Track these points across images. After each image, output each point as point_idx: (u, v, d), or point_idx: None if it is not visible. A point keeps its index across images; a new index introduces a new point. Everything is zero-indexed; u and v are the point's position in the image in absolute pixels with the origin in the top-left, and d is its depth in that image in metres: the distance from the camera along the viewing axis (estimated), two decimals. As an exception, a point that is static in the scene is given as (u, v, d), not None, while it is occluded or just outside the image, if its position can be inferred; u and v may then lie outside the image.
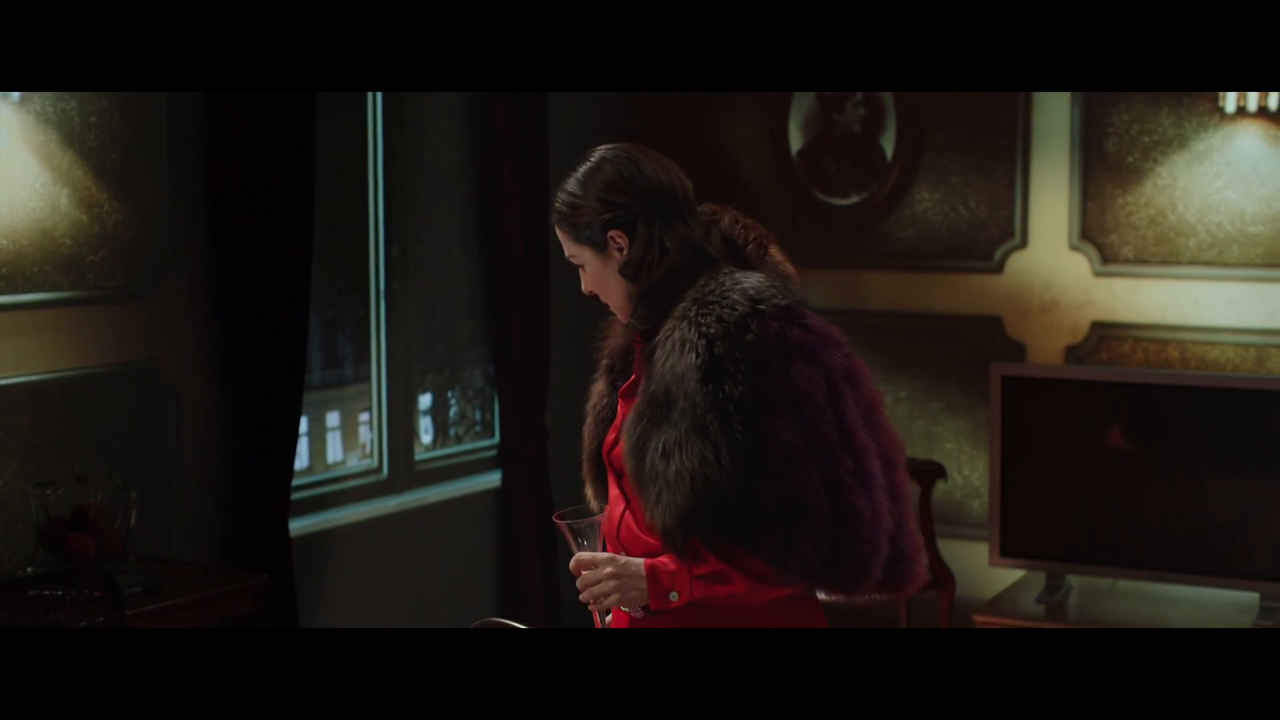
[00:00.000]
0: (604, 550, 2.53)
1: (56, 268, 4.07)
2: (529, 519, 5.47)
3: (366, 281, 5.15)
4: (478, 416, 5.63)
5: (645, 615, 2.48)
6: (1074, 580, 5.13)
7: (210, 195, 4.42)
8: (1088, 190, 5.38)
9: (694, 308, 2.41)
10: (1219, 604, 4.90)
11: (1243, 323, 5.19)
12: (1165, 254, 5.29)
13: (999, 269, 5.53)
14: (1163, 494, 4.86)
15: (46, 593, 3.72)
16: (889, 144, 5.68)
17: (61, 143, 4.06)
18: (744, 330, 2.36)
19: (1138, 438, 4.92)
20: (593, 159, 2.54)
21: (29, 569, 3.88)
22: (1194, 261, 5.24)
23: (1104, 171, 5.36)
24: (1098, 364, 5.36)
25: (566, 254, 2.57)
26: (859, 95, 5.71)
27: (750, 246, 2.53)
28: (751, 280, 2.42)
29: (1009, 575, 5.32)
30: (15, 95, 3.94)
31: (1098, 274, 5.38)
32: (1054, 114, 5.40)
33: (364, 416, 5.19)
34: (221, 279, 4.44)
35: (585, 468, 2.69)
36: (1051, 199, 5.43)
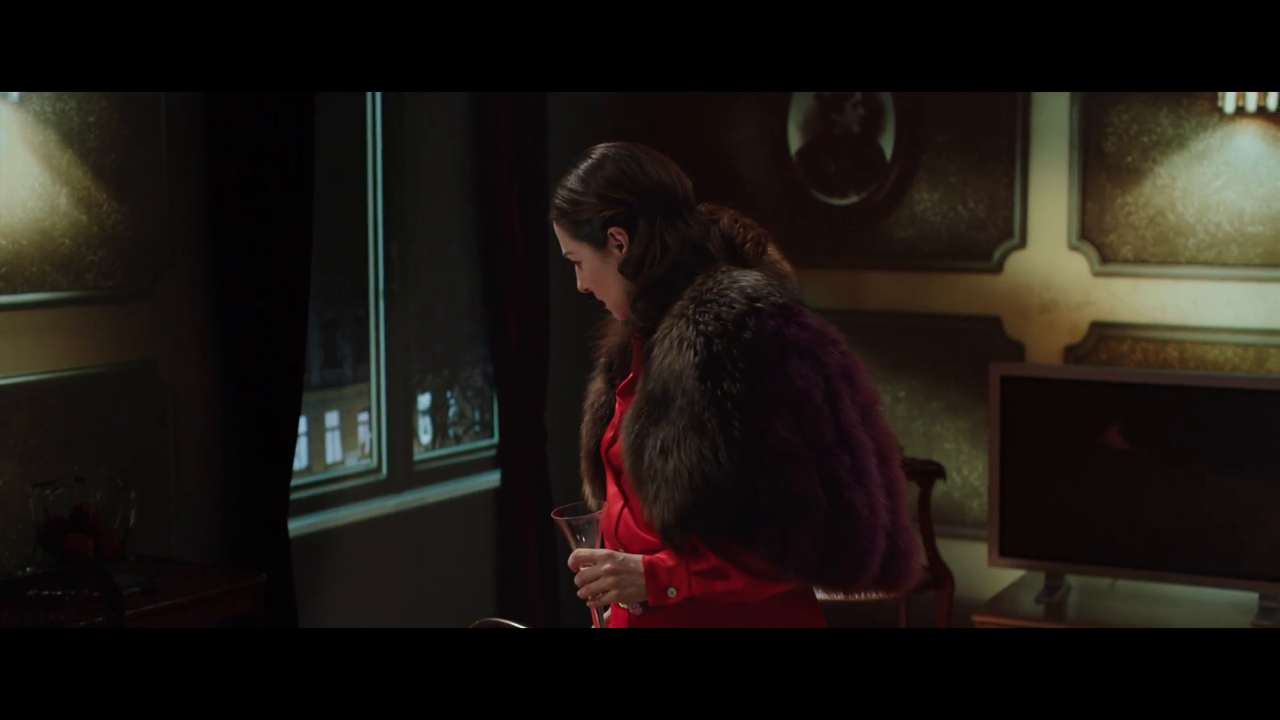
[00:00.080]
0: (602, 547, 2.53)
1: (55, 267, 4.07)
2: (528, 519, 5.47)
3: (366, 281, 5.15)
4: (477, 416, 5.63)
5: (643, 612, 2.48)
6: (1073, 580, 5.13)
7: (209, 195, 4.42)
8: (1087, 190, 5.38)
9: (692, 306, 2.41)
10: (1218, 604, 4.90)
11: (1241, 323, 5.19)
12: (1164, 254, 5.29)
13: (998, 269, 5.54)
14: (1162, 494, 4.87)
15: (46, 593, 3.71)
16: (888, 144, 5.68)
17: (60, 142, 4.06)
18: (742, 328, 2.36)
19: (1137, 438, 4.92)
20: (594, 156, 2.54)
21: (28, 569, 3.87)
22: (1193, 261, 5.24)
23: (1103, 171, 5.36)
24: (1097, 364, 5.36)
25: (564, 250, 2.57)
26: (858, 95, 5.71)
27: (749, 245, 2.53)
28: (749, 279, 2.43)
29: (1008, 575, 5.32)
30: (14, 95, 3.94)
31: (1097, 274, 5.39)
32: (1053, 114, 5.40)
33: (363, 416, 5.19)
34: (220, 279, 4.44)
35: (583, 465, 2.69)
36: (1051, 199, 5.43)
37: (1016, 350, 5.51)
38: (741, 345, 2.35)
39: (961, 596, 5.24)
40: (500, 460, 5.55)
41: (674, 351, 2.39)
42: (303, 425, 4.79)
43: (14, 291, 3.98)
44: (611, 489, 2.58)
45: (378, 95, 5.12)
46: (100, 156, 4.16)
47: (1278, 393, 4.71)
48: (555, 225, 2.57)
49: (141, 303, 4.30)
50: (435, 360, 5.42)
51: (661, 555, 2.43)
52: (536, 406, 5.50)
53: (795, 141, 5.82)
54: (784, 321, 2.37)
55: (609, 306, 2.59)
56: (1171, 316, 5.29)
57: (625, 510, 2.52)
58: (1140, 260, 5.32)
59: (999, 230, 5.53)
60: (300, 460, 4.86)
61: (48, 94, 4.01)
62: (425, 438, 5.43)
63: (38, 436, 4.03)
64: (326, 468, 5.06)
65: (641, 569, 2.43)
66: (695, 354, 2.37)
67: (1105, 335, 5.38)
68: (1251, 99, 5.06)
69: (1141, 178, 5.30)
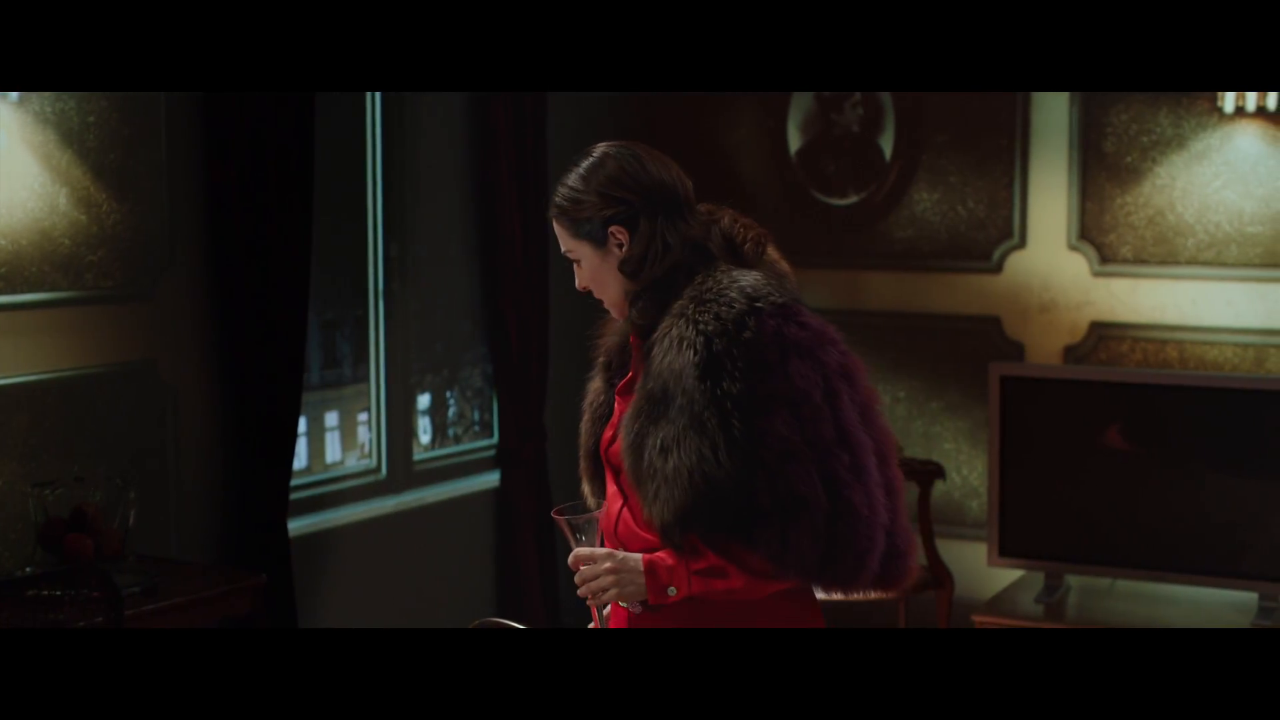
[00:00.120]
0: (602, 546, 2.54)
1: (55, 268, 4.07)
2: (528, 519, 5.47)
3: (365, 281, 5.15)
4: (476, 416, 5.63)
5: (643, 610, 2.48)
6: (1072, 580, 5.13)
7: (209, 195, 4.42)
8: (1086, 190, 5.38)
9: (691, 305, 2.42)
10: (1217, 604, 4.90)
11: (1241, 323, 5.19)
12: (1164, 254, 5.29)
13: (998, 269, 5.54)
14: (1161, 494, 4.87)
15: (45, 593, 3.71)
16: (887, 144, 5.68)
17: (60, 142, 4.06)
18: (742, 328, 2.36)
19: (1136, 438, 4.92)
20: (595, 154, 2.54)
21: (28, 569, 3.87)
22: (1192, 261, 5.25)
23: (1103, 171, 5.36)
24: (1096, 364, 5.36)
25: (563, 249, 2.57)
26: (857, 95, 5.71)
27: (749, 245, 2.54)
28: (749, 279, 2.43)
29: (1008, 575, 5.32)
30: (14, 95, 3.94)
31: (1096, 274, 5.39)
32: (1053, 114, 5.40)
33: (362, 416, 5.19)
34: (220, 279, 4.44)
35: (582, 464, 2.69)
36: (1050, 199, 5.43)
37: (1016, 350, 5.51)
38: (741, 345, 2.36)
39: (961, 596, 5.24)
40: (500, 460, 5.55)
41: (674, 351, 2.40)
42: (302, 425, 4.79)
43: (14, 291, 3.98)
44: (610, 488, 2.58)
45: (377, 95, 5.12)
46: (100, 156, 4.16)
47: (1277, 393, 4.71)
48: (555, 223, 2.57)
49: (141, 303, 4.30)
50: (435, 360, 5.43)
51: (661, 554, 2.43)
52: (536, 406, 5.51)
53: (795, 141, 5.82)
54: (784, 321, 2.38)
55: (607, 305, 2.59)
56: (1171, 316, 5.29)
57: (624, 509, 2.52)
58: (1140, 260, 5.32)
59: (998, 230, 5.53)
60: (300, 460, 4.86)
61: (47, 94, 4.01)
62: (425, 438, 5.43)
63: (37, 436, 4.03)
64: (326, 468, 5.06)
65: (641, 568, 2.44)
66: (695, 353, 2.37)
67: (1105, 335, 5.38)
68: (1251, 99, 5.07)
69: (1141, 178, 5.30)
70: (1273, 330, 5.15)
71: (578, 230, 2.53)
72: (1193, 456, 4.86)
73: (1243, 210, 5.16)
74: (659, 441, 2.38)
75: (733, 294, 2.40)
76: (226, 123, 4.36)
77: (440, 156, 5.35)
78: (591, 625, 2.66)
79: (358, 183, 5.11)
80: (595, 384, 2.69)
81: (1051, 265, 5.45)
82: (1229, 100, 5.11)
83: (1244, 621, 4.72)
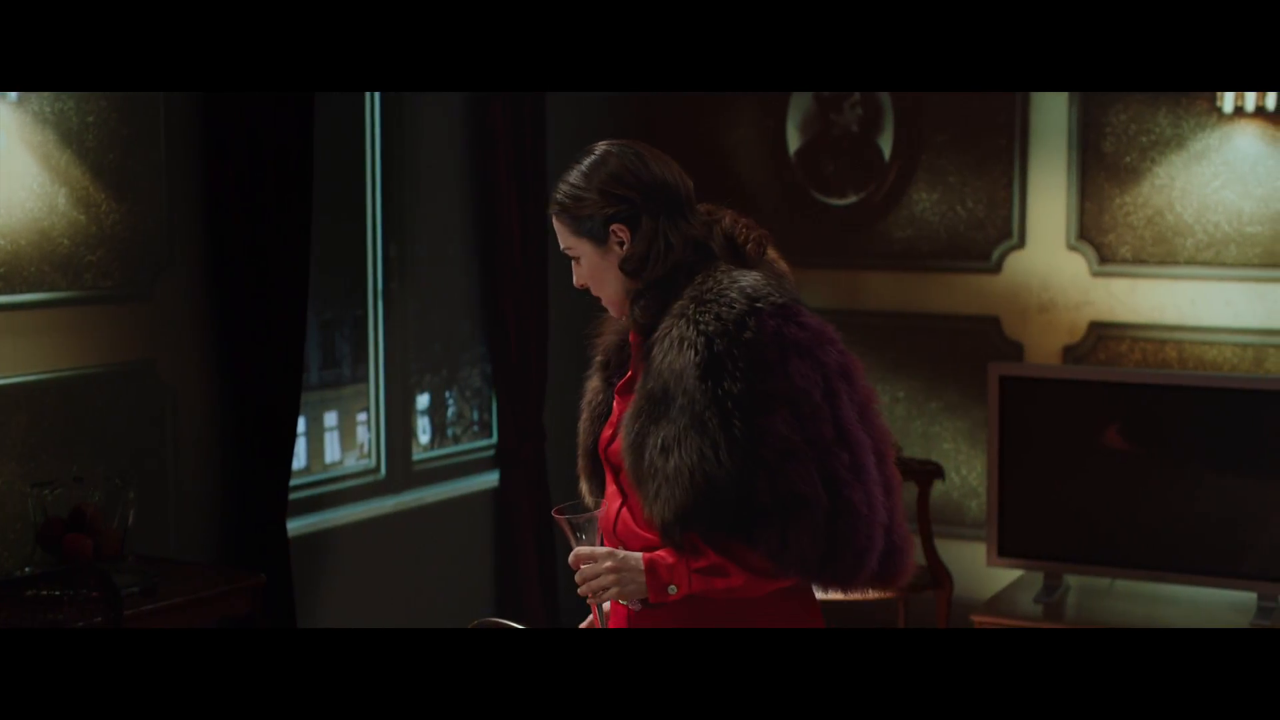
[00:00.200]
0: (602, 545, 2.54)
1: (54, 267, 4.07)
2: (527, 519, 5.47)
3: (364, 281, 5.15)
4: (475, 416, 5.63)
5: (643, 609, 2.49)
6: (1072, 580, 5.13)
7: (208, 195, 4.42)
8: (1085, 190, 5.39)
9: (692, 305, 2.42)
10: (1216, 604, 4.90)
11: (1240, 323, 5.19)
12: (1163, 254, 5.29)
13: (997, 269, 5.54)
14: (1160, 494, 4.87)
15: (44, 593, 3.71)
16: (887, 144, 5.68)
17: (59, 142, 4.06)
18: (742, 328, 2.37)
19: (1135, 438, 4.92)
20: (596, 153, 2.54)
21: (27, 569, 3.87)
22: (1191, 261, 5.25)
23: (1102, 171, 5.36)
24: (1095, 364, 5.36)
25: (562, 246, 2.57)
26: (856, 95, 5.71)
27: (750, 246, 2.54)
28: (749, 279, 2.43)
29: (1007, 575, 5.32)
30: (13, 95, 3.93)
31: (1095, 274, 5.39)
32: (1052, 114, 5.40)
33: (362, 416, 5.19)
34: (219, 279, 4.44)
35: (580, 464, 2.70)
36: (1049, 199, 5.44)
37: (1015, 350, 5.51)
38: (742, 345, 2.36)
39: (960, 596, 5.24)
40: (499, 460, 5.55)
41: (674, 351, 2.40)
42: (301, 425, 4.79)
43: (13, 291, 3.98)
44: (610, 487, 2.58)
45: (376, 95, 5.12)
46: (99, 156, 4.16)
47: (1277, 393, 4.71)
48: (555, 221, 2.56)
49: (140, 303, 4.30)
50: (434, 360, 5.42)
51: (661, 553, 2.44)
52: (535, 406, 5.50)
53: (794, 141, 5.83)
54: (784, 321, 2.38)
55: (606, 303, 2.59)
56: (1170, 316, 5.29)
57: (623, 508, 2.53)
58: (1139, 260, 5.33)
59: (998, 230, 5.53)
60: (299, 460, 4.86)
61: (46, 94, 4.01)
62: (424, 438, 5.43)
63: (36, 436, 4.03)
64: (325, 468, 5.06)
65: (642, 566, 2.44)
66: (696, 353, 2.37)
67: (1104, 335, 5.38)
68: (1250, 99, 5.07)
69: (1140, 178, 5.31)
70: (1272, 330, 5.15)
71: (579, 228, 2.53)
72: (1192, 456, 4.87)
73: (1242, 210, 5.16)
74: (660, 441, 2.38)
75: (733, 294, 2.40)
76: (225, 123, 4.36)
77: (439, 156, 5.35)
78: (587, 623, 2.67)
79: (357, 183, 5.11)
80: (593, 383, 2.69)
81: (1050, 265, 5.45)
82: (1228, 100, 5.11)
83: (1243, 621, 4.72)
